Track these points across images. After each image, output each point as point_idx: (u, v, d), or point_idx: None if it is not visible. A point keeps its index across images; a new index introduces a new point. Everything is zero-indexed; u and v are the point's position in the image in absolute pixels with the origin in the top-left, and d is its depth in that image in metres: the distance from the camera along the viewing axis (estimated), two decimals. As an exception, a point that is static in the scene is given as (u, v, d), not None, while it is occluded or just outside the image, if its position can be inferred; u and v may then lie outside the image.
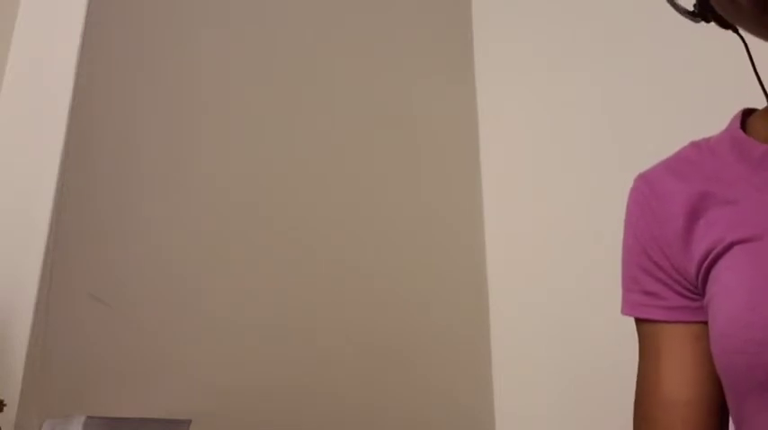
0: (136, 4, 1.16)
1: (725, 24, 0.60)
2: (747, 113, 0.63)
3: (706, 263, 0.56)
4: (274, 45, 1.34)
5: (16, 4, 1.25)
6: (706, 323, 0.57)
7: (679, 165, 0.64)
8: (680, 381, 0.56)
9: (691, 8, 0.61)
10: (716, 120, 0.66)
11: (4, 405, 0.85)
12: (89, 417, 0.85)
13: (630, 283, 0.65)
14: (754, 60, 0.63)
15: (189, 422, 0.93)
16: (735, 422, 0.56)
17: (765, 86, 0.61)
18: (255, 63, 1.30)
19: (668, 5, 0.63)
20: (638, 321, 0.64)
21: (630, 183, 0.69)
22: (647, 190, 0.65)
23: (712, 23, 0.61)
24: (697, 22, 0.62)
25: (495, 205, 1.61)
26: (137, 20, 1.15)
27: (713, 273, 0.55)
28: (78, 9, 1.10)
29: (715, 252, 0.55)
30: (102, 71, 1.09)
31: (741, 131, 0.60)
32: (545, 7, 1.65)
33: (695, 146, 0.65)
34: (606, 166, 1.41)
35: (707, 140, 0.64)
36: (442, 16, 1.74)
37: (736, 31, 0.61)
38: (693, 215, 0.58)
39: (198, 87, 1.20)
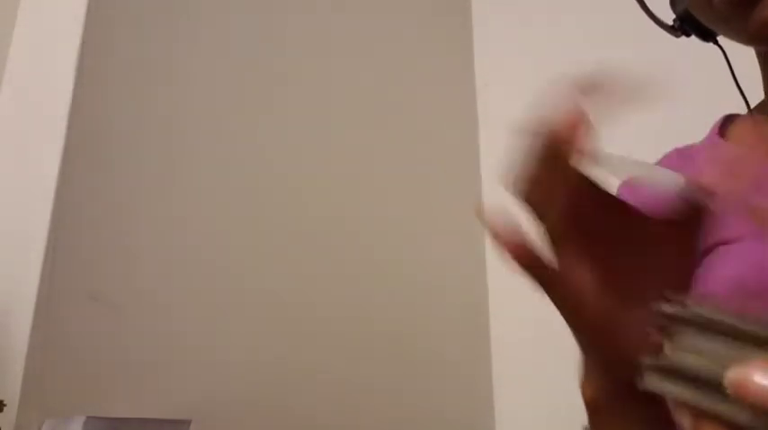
0: (136, 4, 1.16)
1: (705, 37, 0.61)
2: (730, 119, 0.63)
3: None
4: (275, 44, 1.34)
5: (16, 4, 1.25)
6: None
7: None
8: None
9: (671, 23, 0.62)
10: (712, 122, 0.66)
11: (4, 405, 0.86)
12: (89, 417, 0.85)
13: None
14: (736, 67, 0.63)
15: (189, 422, 0.93)
16: None
17: (745, 94, 0.61)
18: (256, 62, 1.30)
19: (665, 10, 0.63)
20: None
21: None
22: (631, 198, 0.66)
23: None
24: (677, 36, 0.62)
25: (495, 206, 1.61)
26: (137, 20, 1.15)
27: (695, 276, 0.56)
28: (78, 9, 1.10)
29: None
30: (102, 71, 1.09)
31: (719, 138, 0.61)
32: (545, 6, 1.65)
33: (679, 152, 0.65)
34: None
35: (689, 147, 0.65)
36: (443, 16, 1.74)
37: (716, 43, 0.61)
38: None
39: (199, 88, 1.20)
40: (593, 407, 0.41)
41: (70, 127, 1.04)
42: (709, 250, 0.54)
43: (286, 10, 1.38)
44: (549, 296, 0.36)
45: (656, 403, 0.40)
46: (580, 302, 0.36)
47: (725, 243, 0.53)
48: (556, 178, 0.34)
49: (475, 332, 1.52)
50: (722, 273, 0.53)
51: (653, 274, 0.37)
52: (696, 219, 0.37)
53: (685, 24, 0.60)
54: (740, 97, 0.63)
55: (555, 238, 0.36)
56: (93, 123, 1.07)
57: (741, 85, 0.62)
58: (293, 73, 1.36)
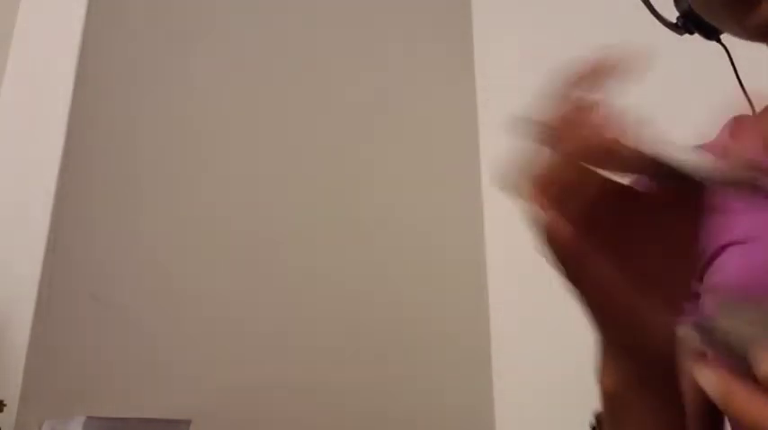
0: (136, 5, 1.16)
1: (708, 36, 0.61)
2: (740, 120, 0.64)
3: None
4: (277, 44, 1.34)
5: (16, 4, 1.25)
6: None
7: None
8: None
9: (674, 20, 0.62)
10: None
11: (4, 405, 0.86)
12: (89, 417, 0.85)
13: None
14: (745, 67, 0.63)
15: (189, 422, 0.93)
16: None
17: (749, 94, 0.61)
18: (255, 64, 1.30)
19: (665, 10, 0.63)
20: None
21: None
22: None
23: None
24: (681, 34, 0.62)
25: (495, 206, 1.61)
26: (136, 21, 1.15)
27: (706, 276, 0.56)
28: (78, 9, 1.10)
29: (707, 256, 0.56)
30: (102, 72, 1.09)
31: (729, 139, 0.61)
32: (545, 8, 1.65)
33: None
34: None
35: (699, 148, 0.65)
36: (443, 17, 1.74)
37: (719, 41, 0.61)
38: None
39: (197, 88, 1.20)
40: (611, 397, 0.42)
41: (70, 127, 1.04)
42: (719, 252, 0.54)
43: (288, 11, 1.38)
44: (574, 290, 0.37)
45: (671, 389, 0.41)
46: (604, 293, 0.37)
47: (738, 242, 0.54)
48: (577, 177, 0.34)
49: (475, 332, 1.52)
50: (732, 274, 0.53)
51: (662, 258, 0.38)
52: (693, 197, 0.38)
53: (689, 22, 0.60)
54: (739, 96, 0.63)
55: (567, 235, 0.36)
56: (93, 123, 1.07)
57: (744, 84, 0.62)
58: (293, 74, 1.36)
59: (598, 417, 0.48)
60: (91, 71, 1.08)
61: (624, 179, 0.37)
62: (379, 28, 1.56)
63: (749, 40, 0.54)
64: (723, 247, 0.54)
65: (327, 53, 1.43)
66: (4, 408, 0.86)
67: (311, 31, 1.41)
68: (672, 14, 0.63)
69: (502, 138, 1.74)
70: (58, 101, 1.06)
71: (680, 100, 1.32)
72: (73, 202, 1.02)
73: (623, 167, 0.35)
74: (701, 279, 0.57)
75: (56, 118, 1.05)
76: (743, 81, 0.62)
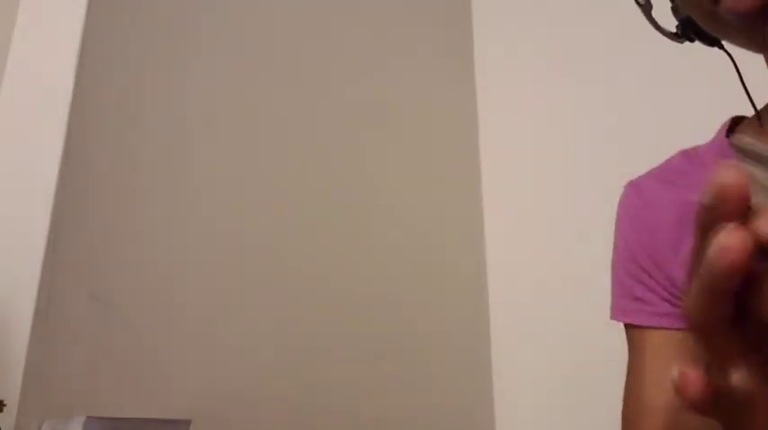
0: (136, 5, 1.16)
1: (709, 43, 0.61)
2: (737, 122, 0.64)
3: None
4: (275, 46, 1.34)
5: (16, 4, 1.25)
6: None
7: (668, 173, 0.65)
8: (661, 387, 0.56)
9: (674, 29, 0.62)
10: (715, 126, 0.66)
11: (4, 405, 0.85)
12: (89, 417, 0.85)
13: (619, 289, 0.65)
14: (744, 70, 0.63)
15: (189, 422, 0.93)
16: None
17: (752, 97, 0.61)
18: (255, 63, 1.30)
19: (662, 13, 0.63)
20: (626, 326, 0.65)
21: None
22: (636, 198, 0.66)
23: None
24: (681, 42, 0.62)
25: (495, 206, 1.62)
26: (137, 20, 1.15)
27: None
28: (78, 9, 1.10)
29: None
30: (102, 72, 1.09)
31: (727, 140, 0.61)
32: (545, 8, 1.65)
33: (684, 154, 0.65)
34: (606, 167, 1.41)
35: (695, 149, 0.65)
36: (442, 17, 1.74)
37: (721, 47, 0.61)
38: (683, 223, 0.59)
39: (198, 88, 1.20)
40: None
41: (70, 127, 1.04)
42: None
43: (289, 11, 1.38)
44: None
45: None
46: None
47: None
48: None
49: (475, 333, 1.52)
50: None
51: None
52: None
53: (689, 30, 0.60)
54: (741, 99, 0.63)
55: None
56: (93, 123, 1.07)
57: (747, 87, 0.62)
58: (293, 74, 1.36)
59: None
60: (91, 71, 1.08)
61: None
62: (378, 28, 1.56)
63: (756, 52, 0.54)
64: None
65: (327, 53, 1.43)
66: (4, 408, 0.86)
67: (311, 32, 1.41)
68: (670, 21, 0.63)
69: (502, 138, 1.75)
70: (58, 101, 1.06)
71: (679, 102, 1.32)
72: (73, 202, 1.02)
73: None
74: None
75: (56, 118, 1.05)
76: (746, 83, 0.62)
